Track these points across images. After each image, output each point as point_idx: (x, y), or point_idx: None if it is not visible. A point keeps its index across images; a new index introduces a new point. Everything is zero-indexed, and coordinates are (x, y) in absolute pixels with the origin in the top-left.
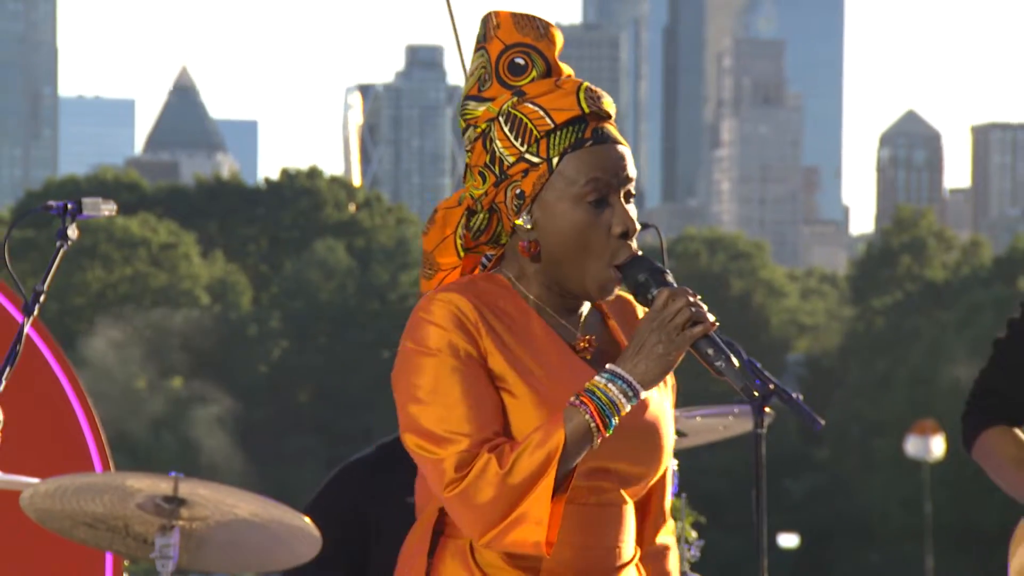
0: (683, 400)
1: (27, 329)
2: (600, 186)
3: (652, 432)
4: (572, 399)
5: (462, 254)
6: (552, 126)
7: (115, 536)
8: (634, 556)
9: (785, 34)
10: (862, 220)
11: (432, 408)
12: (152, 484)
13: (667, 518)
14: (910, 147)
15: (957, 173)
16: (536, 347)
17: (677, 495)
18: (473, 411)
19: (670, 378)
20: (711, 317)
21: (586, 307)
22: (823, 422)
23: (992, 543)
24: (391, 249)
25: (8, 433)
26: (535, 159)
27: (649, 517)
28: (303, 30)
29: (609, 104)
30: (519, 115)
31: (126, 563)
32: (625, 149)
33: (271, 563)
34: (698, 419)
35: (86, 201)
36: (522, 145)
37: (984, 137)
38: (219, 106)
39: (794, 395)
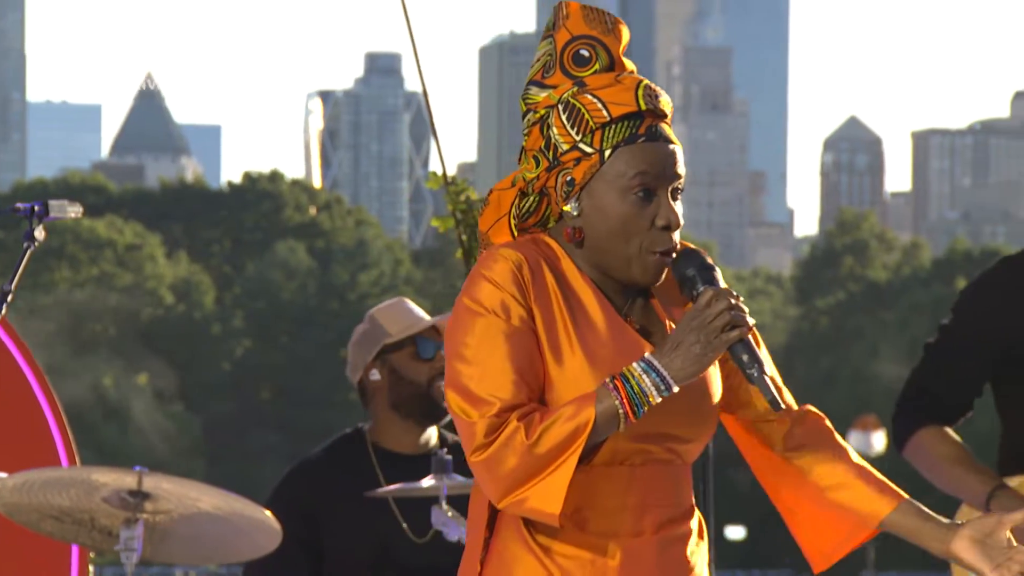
0: None
1: None
2: (648, 180)
3: (703, 398)
4: (607, 380)
5: (516, 234)
6: (608, 119)
7: (81, 529)
8: (692, 512)
9: (732, 43)
10: (806, 222)
11: (474, 367)
12: (117, 478)
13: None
14: (852, 152)
15: (898, 177)
16: (588, 311)
17: None
18: (513, 377)
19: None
20: (751, 321)
21: None
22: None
23: None
24: (351, 250)
25: None
26: (588, 149)
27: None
28: (265, 37)
29: (666, 104)
30: (578, 105)
31: (92, 555)
32: (676, 148)
33: (233, 555)
34: None
35: (53, 203)
36: (577, 134)
37: (924, 142)
38: (183, 111)
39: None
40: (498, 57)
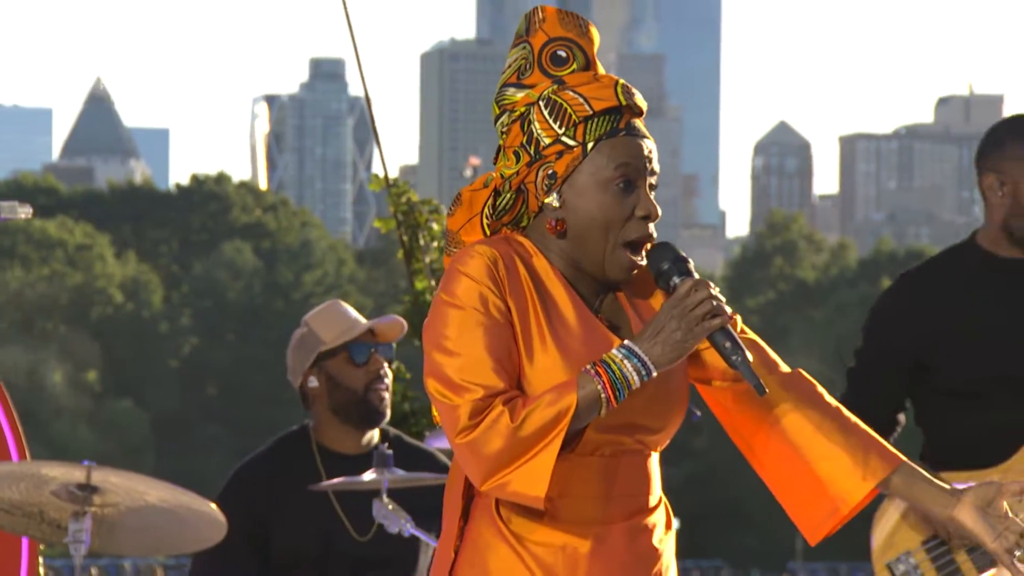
0: None
1: None
2: (628, 172)
3: (672, 389)
4: (588, 367)
5: (488, 232)
6: (590, 113)
7: (31, 521)
8: (659, 502)
9: (665, 50)
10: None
11: (455, 358)
12: (66, 472)
13: None
14: (782, 156)
15: (826, 180)
16: (560, 307)
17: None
18: (492, 364)
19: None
20: (728, 310)
21: None
22: (699, 413)
23: (856, 524)
24: (295, 250)
25: None
26: (571, 142)
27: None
28: (213, 43)
29: (641, 101)
30: (560, 100)
31: (42, 547)
32: (652, 144)
33: (179, 546)
34: None
35: (4, 204)
36: (560, 128)
37: (851, 146)
38: (132, 115)
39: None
40: (439, 63)
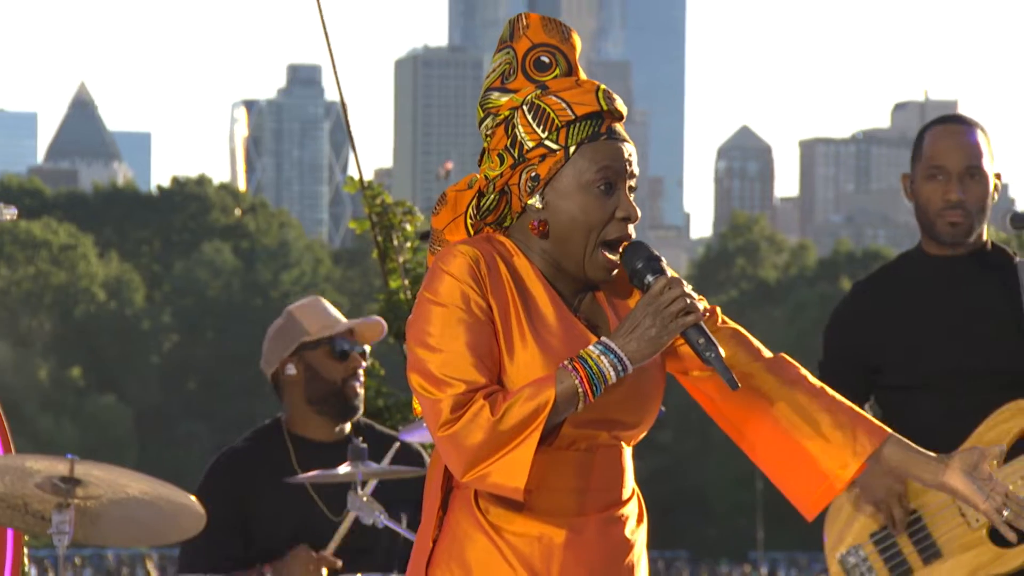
0: None
1: None
2: (610, 175)
3: (646, 385)
4: (565, 363)
5: (472, 232)
6: (573, 117)
7: (15, 513)
8: (632, 495)
9: (632, 57)
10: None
11: (437, 354)
12: (49, 465)
13: None
14: (744, 159)
15: (786, 183)
16: (539, 305)
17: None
18: (473, 360)
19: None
20: (702, 307)
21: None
22: (663, 409)
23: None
24: (274, 250)
25: None
26: (554, 146)
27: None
28: (193, 50)
29: (621, 106)
30: (543, 105)
31: (27, 538)
32: (632, 148)
33: (160, 538)
34: None
35: None
36: (543, 132)
37: (811, 151)
38: (115, 119)
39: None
40: (413, 69)
